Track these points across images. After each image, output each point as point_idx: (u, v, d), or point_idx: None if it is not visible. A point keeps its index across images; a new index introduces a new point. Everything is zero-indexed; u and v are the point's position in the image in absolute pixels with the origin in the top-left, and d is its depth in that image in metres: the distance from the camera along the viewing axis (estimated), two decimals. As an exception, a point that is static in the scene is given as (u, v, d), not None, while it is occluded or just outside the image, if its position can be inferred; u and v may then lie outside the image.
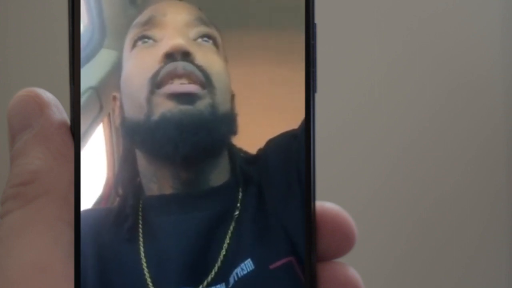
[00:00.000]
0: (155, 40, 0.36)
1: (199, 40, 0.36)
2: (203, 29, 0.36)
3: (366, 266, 0.86)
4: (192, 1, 0.36)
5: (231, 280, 0.33)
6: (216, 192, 0.35)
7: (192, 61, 0.35)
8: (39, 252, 0.32)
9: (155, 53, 0.35)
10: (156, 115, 0.34)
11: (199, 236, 0.34)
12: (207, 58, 0.36)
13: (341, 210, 0.33)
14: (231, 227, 0.34)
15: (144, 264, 0.34)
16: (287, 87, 0.35)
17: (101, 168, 0.35)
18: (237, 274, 0.34)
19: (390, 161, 1.10)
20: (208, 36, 0.36)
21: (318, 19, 0.34)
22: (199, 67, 0.35)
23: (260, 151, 0.35)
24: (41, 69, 1.08)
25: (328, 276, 0.33)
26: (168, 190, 0.35)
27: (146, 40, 0.36)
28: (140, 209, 0.35)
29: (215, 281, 0.33)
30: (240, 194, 0.35)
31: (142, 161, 0.35)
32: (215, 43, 0.36)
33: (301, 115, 0.34)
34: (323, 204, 0.34)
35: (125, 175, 0.36)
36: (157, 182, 0.35)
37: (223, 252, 0.34)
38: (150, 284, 0.34)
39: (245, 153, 0.35)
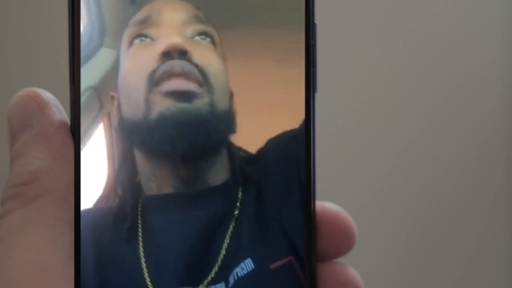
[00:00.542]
0: (152, 39, 0.36)
1: (197, 38, 0.36)
2: (201, 27, 0.36)
3: (366, 266, 0.86)
4: (190, 0, 0.36)
5: (231, 280, 0.33)
6: (215, 191, 0.35)
7: (189, 59, 0.35)
8: (39, 252, 0.32)
9: (152, 51, 0.35)
10: (154, 114, 0.34)
11: (198, 235, 0.34)
12: (205, 56, 0.35)
13: (341, 210, 0.33)
14: (231, 227, 0.34)
15: (144, 264, 0.34)
16: (286, 86, 0.35)
17: (100, 168, 0.35)
18: (237, 273, 0.34)
19: (390, 161, 1.10)
20: (205, 34, 0.36)
21: (318, 19, 0.34)
22: (196, 65, 0.35)
23: (260, 150, 0.35)
24: (41, 69, 1.08)
25: (328, 276, 0.33)
26: (167, 190, 0.35)
27: (143, 38, 0.36)
28: (140, 208, 0.35)
29: (215, 280, 0.33)
30: (240, 193, 0.35)
31: (141, 160, 0.35)
32: (213, 41, 0.36)
33: (301, 115, 0.34)
34: (323, 204, 0.33)
35: (124, 174, 0.36)
36: (156, 181, 0.35)
37: (223, 251, 0.34)
38: (150, 284, 0.34)
39: (245, 152, 0.35)
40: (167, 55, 0.35)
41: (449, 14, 1.10)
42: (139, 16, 0.36)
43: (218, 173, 0.35)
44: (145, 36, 0.36)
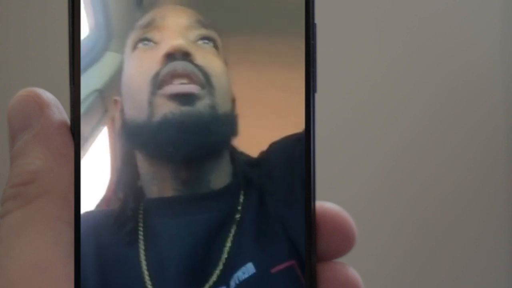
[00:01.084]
0: (155, 42, 0.36)
1: (199, 42, 0.36)
2: (203, 32, 0.36)
3: (366, 266, 0.86)
4: (192, 5, 0.36)
5: (232, 284, 0.33)
6: (217, 195, 0.35)
7: (192, 61, 0.35)
8: (39, 252, 0.31)
9: (155, 54, 0.35)
10: (156, 116, 0.34)
11: (200, 239, 0.34)
12: (207, 59, 0.36)
13: (341, 210, 0.33)
14: (233, 230, 0.34)
15: (144, 267, 0.34)
16: (287, 87, 0.35)
17: (102, 170, 0.35)
18: (238, 277, 0.33)
19: (390, 160, 1.10)
20: (208, 38, 0.36)
21: (318, 19, 0.34)
22: (199, 67, 0.35)
23: (262, 154, 0.35)
24: (41, 69, 1.08)
25: (328, 276, 0.33)
26: (169, 192, 0.35)
27: (146, 42, 0.36)
28: (141, 211, 0.35)
29: (216, 284, 0.33)
30: (242, 197, 0.35)
31: (142, 163, 0.35)
32: (215, 45, 0.36)
33: (301, 115, 0.34)
34: (323, 204, 0.33)
35: (126, 176, 0.36)
36: (158, 184, 0.35)
37: (224, 255, 0.34)
38: (150, 287, 0.34)
39: (246, 155, 0.35)
40: (170, 57, 0.35)
41: (449, 14, 1.10)
42: (142, 20, 0.36)
43: (220, 176, 0.35)
44: (149, 40, 0.36)
